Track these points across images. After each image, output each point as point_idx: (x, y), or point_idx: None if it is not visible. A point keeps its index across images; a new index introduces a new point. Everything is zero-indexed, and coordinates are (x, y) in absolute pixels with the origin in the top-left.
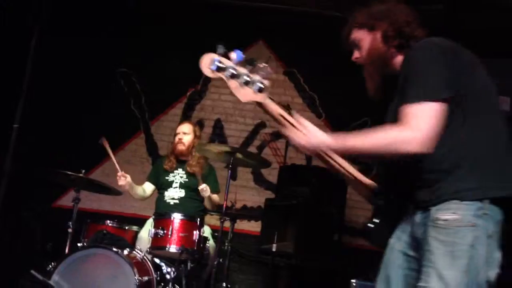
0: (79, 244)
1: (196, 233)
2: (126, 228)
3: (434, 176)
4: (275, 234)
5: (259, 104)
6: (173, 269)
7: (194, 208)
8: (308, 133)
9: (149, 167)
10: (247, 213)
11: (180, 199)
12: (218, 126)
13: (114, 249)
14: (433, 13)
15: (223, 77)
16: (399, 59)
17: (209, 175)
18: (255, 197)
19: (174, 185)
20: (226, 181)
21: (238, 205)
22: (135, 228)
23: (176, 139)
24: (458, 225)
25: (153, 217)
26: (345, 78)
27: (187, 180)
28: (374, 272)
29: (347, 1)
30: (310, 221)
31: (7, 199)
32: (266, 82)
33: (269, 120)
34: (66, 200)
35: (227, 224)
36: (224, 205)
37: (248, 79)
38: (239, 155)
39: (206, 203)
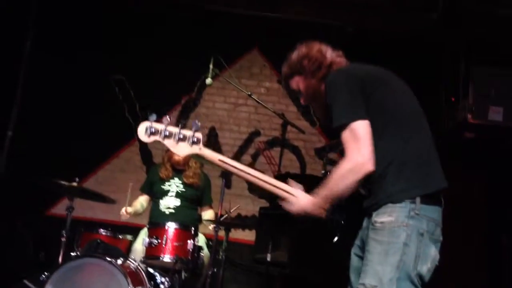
0: (72, 254)
1: (190, 242)
2: (120, 237)
3: (372, 185)
4: (269, 243)
5: (197, 156)
6: (167, 279)
7: (189, 216)
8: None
9: (143, 175)
10: (241, 222)
11: (176, 208)
12: (212, 134)
13: (108, 259)
14: (427, 21)
15: (159, 139)
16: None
17: (205, 186)
18: (249, 206)
19: (170, 194)
20: (220, 190)
21: (233, 214)
22: (129, 237)
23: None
24: (393, 226)
25: (147, 226)
26: None
27: (184, 190)
28: None
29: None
30: (305, 230)
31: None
32: (198, 134)
33: (264, 129)
34: (59, 209)
35: (221, 233)
36: (219, 214)
37: (181, 136)
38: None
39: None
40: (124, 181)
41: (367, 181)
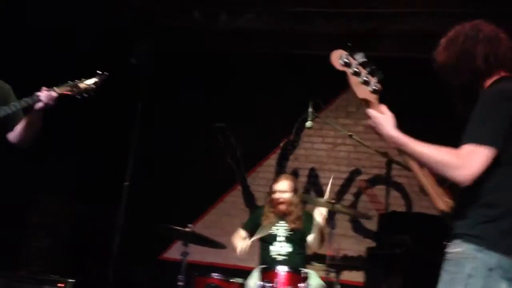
0: None
1: (302, 285)
2: (232, 280)
3: (463, 209)
4: (380, 285)
5: (367, 103)
6: None
7: (299, 260)
8: (384, 122)
9: (247, 218)
10: (348, 263)
11: (288, 254)
12: (312, 175)
13: None
14: None
15: (348, 72)
16: (487, 83)
17: (309, 225)
18: (354, 246)
19: (278, 238)
20: (327, 231)
21: (340, 255)
22: (240, 280)
23: (275, 198)
24: (460, 257)
25: (259, 268)
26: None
27: (291, 233)
28: None
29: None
30: (416, 272)
31: (119, 253)
32: (379, 85)
33: (365, 167)
34: (171, 253)
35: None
36: (328, 255)
37: (366, 79)
38: (337, 207)
39: (314, 242)
40: (230, 225)
41: (463, 203)
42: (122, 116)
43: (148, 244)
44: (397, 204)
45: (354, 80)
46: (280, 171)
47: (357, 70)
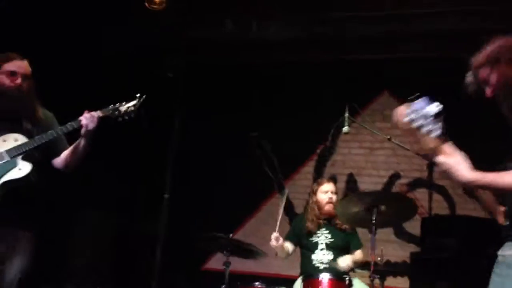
0: None
1: None
2: None
3: None
4: None
5: (434, 151)
6: None
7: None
8: (458, 166)
9: (287, 226)
10: (392, 268)
11: (330, 262)
12: (351, 180)
13: None
14: None
15: (413, 129)
16: None
17: (351, 233)
18: (397, 251)
19: (320, 246)
20: (368, 237)
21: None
22: None
23: (326, 198)
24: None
25: (301, 277)
26: (477, 119)
27: (332, 240)
28: None
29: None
30: (463, 276)
31: (161, 265)
32: (442, 127)
33: (404, 170)
34: (212, 263)
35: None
36: (372, 262)
37: (429, 128)
38: (382, 208)
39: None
40: (269, 234)
41: None
42: (159, 129)
43: (190, 255)
44: (440, 207)
45: (419, 135)
46: (317, 178)
47: (420, 123)
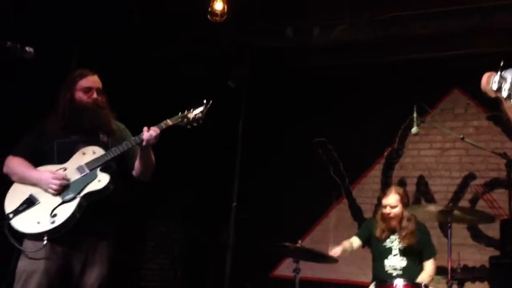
0: None
1: None
2: None
3: None
4: None
5: None
6: None
7: (417, 274)
8: None
9: (355, 231)
10: (471, 274)
11: (403, 269)
12: (422, 183)
13: None
14: None
15: (500, 97)
16: None
17: (424, 239)
18: (475, 256)
19: (393, 252)
20: (443, 241)
21: (460, 266)
22: None
23: (385, 212)
24: None
25: (374, 283)
26: None
27: (406, 245)
28: None
29: None
30: None
31: (231, 272)
32: None
33: (479, 171)
34: (282, 270)
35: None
36: (449, 268)
37: None
38: (457, 213)
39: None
40: (337, 239)
41: None
42: (225, 138)
43: (259, 262)
44: None
45: (507, 104)
46: (385, 181)
47: (510, 92)
